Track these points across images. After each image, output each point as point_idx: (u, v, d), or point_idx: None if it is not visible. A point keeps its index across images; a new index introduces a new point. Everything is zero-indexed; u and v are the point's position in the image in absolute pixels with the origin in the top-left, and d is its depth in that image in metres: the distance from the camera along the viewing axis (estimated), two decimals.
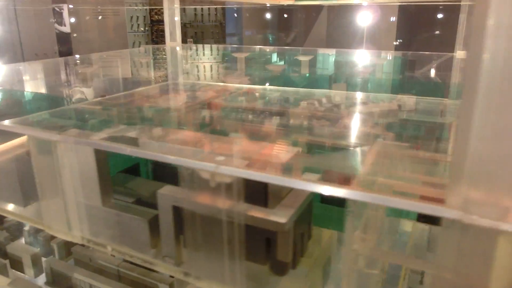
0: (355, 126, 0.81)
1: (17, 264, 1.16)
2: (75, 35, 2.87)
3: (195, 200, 0.60)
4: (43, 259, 1.15)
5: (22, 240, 1.26)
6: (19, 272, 1.16)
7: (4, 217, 1.31)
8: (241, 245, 0.60)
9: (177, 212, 0.63)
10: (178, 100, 1.04)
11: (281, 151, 0.64)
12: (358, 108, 0.94)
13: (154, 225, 0.66)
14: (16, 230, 1.28)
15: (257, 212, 0.57)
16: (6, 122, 0.77)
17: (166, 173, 0.89)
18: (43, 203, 0.75)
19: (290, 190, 0.63)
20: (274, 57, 1.77)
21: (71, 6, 2.79)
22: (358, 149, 0.64)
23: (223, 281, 0.61)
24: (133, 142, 0.68)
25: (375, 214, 0.56)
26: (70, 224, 0.73)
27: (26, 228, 1.24)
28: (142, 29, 2.86)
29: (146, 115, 0.97)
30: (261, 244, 0.61)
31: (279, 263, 0.61)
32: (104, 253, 1.17)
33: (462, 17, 1.56)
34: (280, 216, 0.56)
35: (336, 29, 2.61)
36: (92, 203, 0.70)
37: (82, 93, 1.53)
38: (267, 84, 1.39)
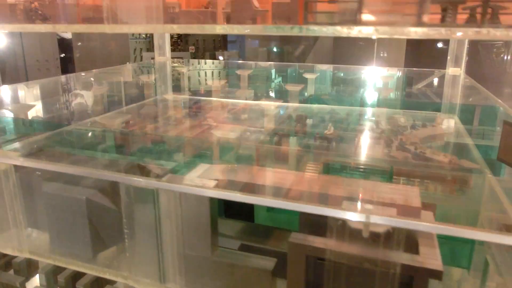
0: (430, 155, 0.82)
1: None
2: (79, 44, 2.68)
3: (334, 249, 0.57)
4: None
5: (34, 282, 1.13)
6: None
7: (11, 257, 1.16)
8: None
9: (310, 261, 0.59)
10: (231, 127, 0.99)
11: (406, 192, 0.63)
12: (414, 132, 0.96)
13: (275, 275, 0.62)
14: (26, 272, 1.14)
15: (408, 260, 0.56)
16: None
17: (237, 212, 0.85)
18: (130, 253, 0.68)
19: (418, 232, 0.62)
20: (289, 72, 1.72)
21: None
22: (478, 190, 0.65)
23: None
24: (250, 188, 0.64)
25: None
26: (164, 276, 0.67)
27: (41, 270, 1.11)
28: (144, 35, 2.72)
29: (204, 148, 0.91)
30: None
31: None
32: None
33: None
34: (436, 264, 0.55)
35: (343, 43, 2.61)
36: (199, 253, 0.64)
37: (82, 97, 1.46)
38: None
